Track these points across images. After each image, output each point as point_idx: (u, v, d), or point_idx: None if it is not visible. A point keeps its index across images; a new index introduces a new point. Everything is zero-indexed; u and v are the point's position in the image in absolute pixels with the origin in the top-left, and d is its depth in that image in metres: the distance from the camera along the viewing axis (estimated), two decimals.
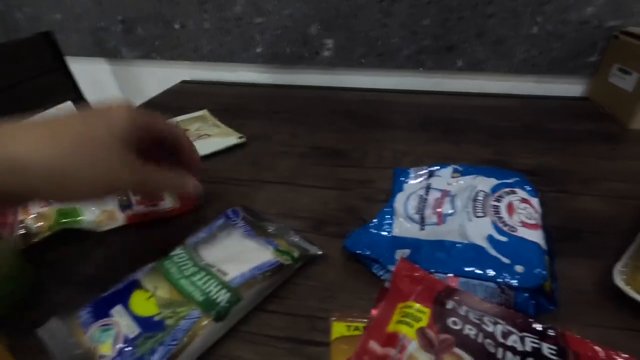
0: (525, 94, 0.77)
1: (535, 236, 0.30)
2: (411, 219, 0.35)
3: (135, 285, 0.28)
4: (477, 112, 0.69)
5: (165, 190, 0.37)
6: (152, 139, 0.29)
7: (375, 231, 0.35)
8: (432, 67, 0.79)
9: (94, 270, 0.35)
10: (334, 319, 0.28)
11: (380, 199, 0.44)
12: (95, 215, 0.40)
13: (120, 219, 0.40)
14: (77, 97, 0.82)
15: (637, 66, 0.61)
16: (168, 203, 0.43)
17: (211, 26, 0.83)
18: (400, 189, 0.39)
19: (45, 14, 0.88)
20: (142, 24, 0.85)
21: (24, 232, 0.38)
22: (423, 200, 0.36)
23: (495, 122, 0.65)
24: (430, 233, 0.33)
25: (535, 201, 0.33)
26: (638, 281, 0.29)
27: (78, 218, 0.39)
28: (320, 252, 0.35)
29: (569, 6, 0.68)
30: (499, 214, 0.32)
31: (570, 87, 0.77)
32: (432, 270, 0.29)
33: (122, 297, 0.27)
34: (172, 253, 0.32)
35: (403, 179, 0.41)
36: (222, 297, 0.27)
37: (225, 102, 0.77)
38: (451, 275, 0.29)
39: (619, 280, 0.30)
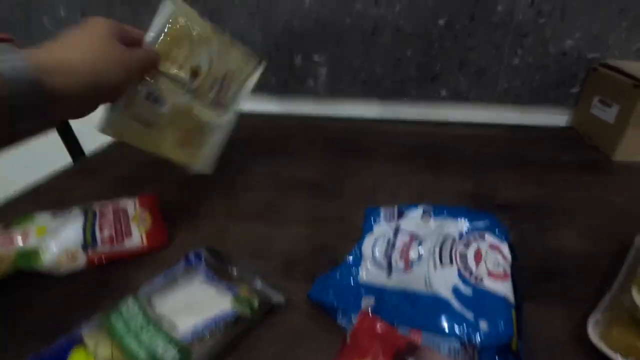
0: (509, 123, 0.77)
1: (503, 288, 0.28)
2: (378, 264, 0.34)
3: (77, 341, 0.27)
4: (461, 142, 0.69)
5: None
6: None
7: (342, 277, 0.34)
8: (416, 96, 0.79)
9: (46, 317, 0.34)
10: None
11: (355, 237, 0.43)
12: (55, 256, 0.38)
13: (82, 259, 0.39)
14: (64, 123, 0.81)
15: (616, 99, 0.61)
16: (134, 241, 0.42)
17: None
18: (370, 230, 0.38)
19: (33, 42, 0.89)
20: None
21: None
22: (391, 245, 0.35)
23: (477, 151, 0.65)
24: (396, 281, 0.32)
25: (504, 247, 0.32)
26: (614, 337, 0.28)
27: (38, 260, 0.38)
28: (282, 302, 0.33)
29: (547, 39, 0.68)
30: (465, 262, 0.30)
31: (554, 117, 0.77)
32: (396, 323, 0.28)
33: (60, 356, 0.25)
34: (121, 304, 0.30)
35: (373, 219, 0.40)
36: (169, 356, 0.26)
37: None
38: (414, 329, 0.27)
39: (593, 335, 0.28)
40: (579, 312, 0.33)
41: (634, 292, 0.27)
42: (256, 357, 0.30)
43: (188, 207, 0.50)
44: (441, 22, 0.71)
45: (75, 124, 0.83)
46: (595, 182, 0.55)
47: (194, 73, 0.44)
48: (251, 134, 0.74)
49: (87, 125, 0.98)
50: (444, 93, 0.78)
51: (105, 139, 0.73)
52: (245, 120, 0.82)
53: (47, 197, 0.54)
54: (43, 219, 0.41)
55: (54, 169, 0.62)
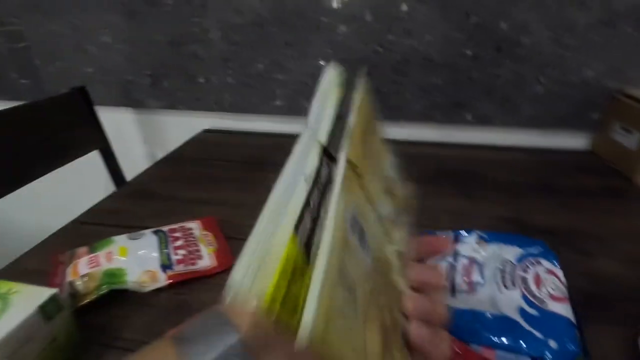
0: (532, 146, 0.81)
1: (564, 310, 0.32)
2: None
3: None
4: (486, 164, 0.73)
5: None
6: None
7: None
8: (443, 120, 0.83)
9: (138, 335, 0.37)
10: None
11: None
12: (138, 275, 0.42)
13: (162, 279, 0.42)
14: (105, 146, 0.86)
15: (638, 126, 0.65)
16: (205, 262, 0.45)
17: (234, 80, 0.89)
18: None
19: (77, 68, 0.94)
20: (169, 77, 0.91)
21: (71, 292, 0.40)
22: (452, 268, 0.38)
23: (504, 175, 0.69)
24: (461, 301, 0.35)
25: (560, 273, 0.35)
26: None
27: (124, 279, 0.41)
28: None
29: (569, 69, 0.73)
30: (527, 285, 0.34)
31: (574, 140, 0.81)
32: (467, 341, 0.31)
33: None
34: None
35: None
36: None
37: (246, 153, 0.80)
38: (486, 347, 0.30)
39: None
40: (629, 333, 0.36)
41: None
42: None
43: (242, 228, 0.53)
44: (469, 52, 0.75)
45: (118, 152, 0.87)
46: (622, 207, 0.59)
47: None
48: (286, 154, 0.78)
49: (123, 149, 1.02)
50: (469, 117, 0.82)
51: (139, 161, 0.77)
52: (282, 140, 0.87)
53: (109, 219, 0.57)
54: (122, 241, 0.45)
55: (94, 191, 0.66)
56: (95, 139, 0.84)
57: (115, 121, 1.00)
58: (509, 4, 0.70)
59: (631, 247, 0.49)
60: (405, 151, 0.87)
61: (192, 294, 0.42)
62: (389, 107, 0.84)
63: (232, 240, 0.50)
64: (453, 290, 0.37)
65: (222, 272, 0.45)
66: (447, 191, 0.63)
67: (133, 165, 0.78)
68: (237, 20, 0.81)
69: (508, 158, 0.77)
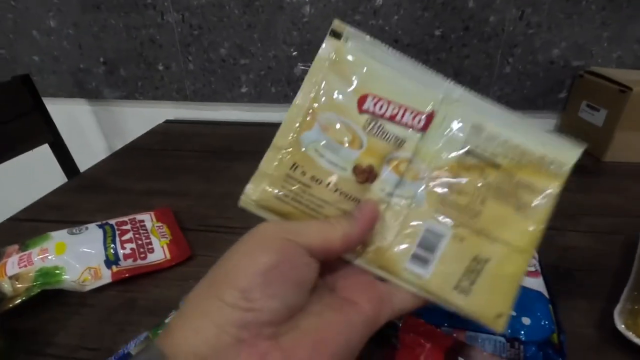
0: None
1: (537, 284, 0.30)
2: None
3: (128, 359, 0.26)
4: None
5: None
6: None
7: None
8: None
9: (76, 339, 0.33)
10: None
11: None
12: (78, 273, 0.37)
13: (106, 276, 0.38)
14: (56, 139, 0.79)
15: (604, 103, 0.65)
16: (157, 255, 0.41)
17: (195, 67, 0.84)
18: None
19: (22, 56, 0.86)
20: (125, 65, 0.85)
21: None
22: None
23: None
24: None
25: None
26: (638, 324, 0.30)
27: (60, 278, 0.37)
28: None
29: (536, 48, 0.73)
30: None
31: (543, 121, 0.81)
32: (437, 324, 0.29)
33: None
34: (167, 319, 0.30)
35: None
36: None
37: (210, 143, 0.76)
38: (457, 329, 0.28)
39: (621, 325, 0.30)
40: (598, 306, 0.35)
41: None
42: None
43: (202, 219, 0.50)
44: (437, 32, 0.74)
45: (69, 142, 0.80)
46: (590, 184, 0.58)
47: None
48: (257, 144, 0.75)
49: (79, 142, 0.95)
50: None
51: (99, 156, 0.72)
52: (249, 130, 0.83)
53: (51, 214, 0.52)
54: (60, 236, 0.40)
55: (45, 186, 0.60)
56: (42, 132, 0.77)
57: (70, 113, 0.94)
58: None
59: (596, 220, 0.49)
60: None
61: (140, 291, 0.38)
62: None
63: (190, 232, 0.46)
64: None
65: (176, 265, 0.41)
66: None
67: (92, 160, 0.72)
68: (195, 2, 0.76)
69: None
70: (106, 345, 0.31)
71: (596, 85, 0.67)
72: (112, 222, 0.44)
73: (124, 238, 0.41)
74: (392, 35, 0.75)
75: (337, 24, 0.24)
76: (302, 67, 0.64)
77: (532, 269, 0.31)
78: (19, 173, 0.94)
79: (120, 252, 0.40)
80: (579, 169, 0.68)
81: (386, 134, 0.23)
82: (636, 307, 0.31)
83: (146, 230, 0.44)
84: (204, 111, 0.90)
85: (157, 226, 0.45)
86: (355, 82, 0.23)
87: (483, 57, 0.75)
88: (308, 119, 0.23)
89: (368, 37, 0.24)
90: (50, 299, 0.36)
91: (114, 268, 0.38)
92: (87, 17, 0.80)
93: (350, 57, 0.23)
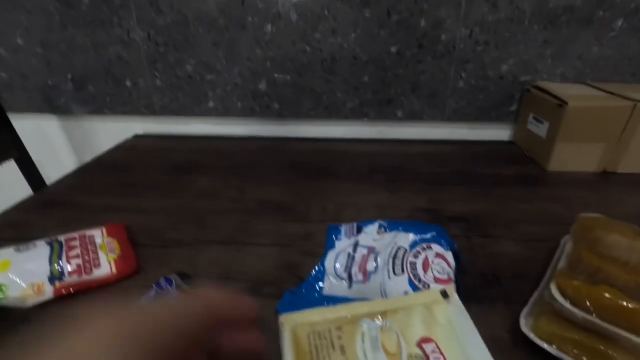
0: (460, 139, 0.85)
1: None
2: (340, 277, 0.37)
3: None
4: (416, 160, 0.74)
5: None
6: None
7: (306, 291, 0.36)
8: (375, 117, 0.85)
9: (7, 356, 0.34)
10: None
11: (318, 253, 0.46)
12: (21, 290, 0.38)
13: (48, 291, 0.39)
14: (22, 155, 0.79)
15: (546, 116, 0.69)
16: (104, 270, 0.43)
17: (162, 83, 0.85)
18: (332, 247, 0.41)
19: None
20: (93, 81, 0.87)
21: None
22: (351, 258, 0.38)
23: (431, 169, 0.71)
24: (356, 291, 0.35)
25: (449, 255, 0.36)
26: (540, 327, 0.32)
27: (3, 295, 0.38)
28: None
29: (486, 64, 0.77)
30: (415, 270, 0.34)
31: (498, 132, 0.85)
32: None
33: None
34: None
35: (334, 237, 0.43)
36: None
37: (177, 158, 0.78)
38: None
39: (525, 327, 0.33)
40: (517, 310, 0.37)
41: (552, 287, 0.31)
42: None
43: (155, 234, 0.51)
44: (393, 49, 0.77)
45: (34, 154, 0.81)
46: (532, 193, 0.62)
47: None
48: (223, 158, 0.77)
49: (49, 157, 0.96)
50: (400, 114, 0.84)
51: (69, 170, 0.73)
52: (216, 144, 0.85)
53: (5, 232, 0.53)
54: (6, 254, 0.41)
55: (10, 201, 0.61)
56: (8, 147, 0.78)
57: (38, 129, 0.94)
58: (423, 1, 0.72)
59: (531, 228, 0.52)
60: (341, 149, 0.87)
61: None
62: (323, 107, 0.85)
63: (141, 247, 0.48)
64: (350, 281, 0.36)
65: (122, 279, 0.42)
66: (376, 187, 0.64)
67: (62, 174, 0.73)
68: (160, 21, 0.79)
69: (437, 150, 0.79)
70: None
71: (539, 99, 0.71)
72: (62, 238, 0.45)
73: (71, 254, 0.43)
74: (351, 52, 0.78)
75: (450, 290, 0.31)
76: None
77: (445, 277, 0.34)
78: None
79: (66, 267, 0.41)
80: (526, 179, 0.72)
81: None
82: (541, 310, 0.34)
83: (94, 245, 0.45)
84: (173, 125, 0.92)
85: (106, 241, 0.46)
86: (431, 328, 0.27)
87: (438, 72, 0.79)
88: (379, 315, 0.28)
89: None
90: None
91: (57, 284, 0.39)
92: (54, 35, 0.82)
93: (441, 316, 0.29)
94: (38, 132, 0.94)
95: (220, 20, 0.78)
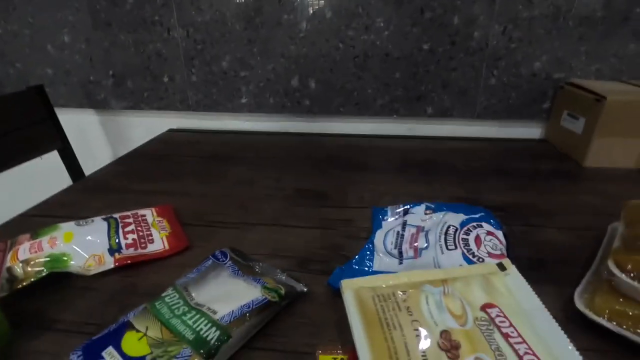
0: (489, 137, 0.85)
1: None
2: (390, 254, 0.38)
3: (127, 326, 0.29)
4: (448, 154, 0.75)
5: None
6: None
7: (357, 267, 0.37)
8: (405, 114, 0.86)
9: (81, 317, 0.36)
10: (320, 352, 0.29)
11: (361, 236, 0.47)
12: (84, 259, 0.40)
13: (109, 262, 0.41)
14: (65, 146, 0.83)
15: (582, 112, 0.69)
16: (157, 245, 0.44)
17: (198, 79, 0.88)
18: (379, 227, 0.42)
19: (36, 69, 0.92)
20: (132, 77, 0.90)
21: (8, 278, 0.38)
22: (400, 236, 0.39)
23: (464, 163, 0.71)
24: (408, 266, 0.35)
25: (499, 234, 0.37)
26: (596, 304, 0.32)
27: (67, 263, 0.40)
28: (305, 289, 0.36)
29: (519, 62, 0.77)
30: (468, 246, 0.35)
31: (529, 130, 0.84)
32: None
33: (114, 339, 0.28)
34: (164, 294, 0.33)
35: (381, 217, 0.44)
36: (213, 335, 0.28)
37: (212, 150, 0.80)
38: None
39: (580, 304, 0.33)
40: (567, 291, 0.37)
41: (610, 263, 0.31)
42: (284, 340, 0.33)
43: (202, 216, 0.53)
44: (425, 47, 0.78)
45: (76, 149, 0.85)
46: (570, 186, 0.61)
47: None
48: (256, 151, 0.79)
49: (86, 150, 1.00)
50: (430, 110, 0.85)
51: (104, 163, 0.76)
52: (249, 138, 0.87)
53: (60, 211, 0.55)
54: (68, 227, 0.43)
55: (52, 190, 0.64)
56: (53, 138, 0.82)
57: (78, 122, 0.98)
58: None
59: (574, 218, 0.51)
60: (373, 144, 0.88)
61: (140, 277, 0.41)
62: (354, 103, 0.86)
63: (189, 226, 0.50)
64: (401, 257, 0.37)
65: (174, 255, 0.44)
66: (410, 178, 0.64)
67: (98, 167, 0.76)
68: (199, 19, 0.82)
69: (467, 147, 0.79)
70: (108, 321, 0.34)
71: (575, 95, 0.70)
72: (116, 215, 0.47)
73: (126, 230, 0.45)
74: (384, 50, 0.80)
75: (507, 262, 0.32)
76: None
77: (498, 252, 0.34)
78: (30, 176, 0.99)
79: (123, 241, 0.43)
80: (562, 174, 0.72)
81: (490, 337, 0.25)
82: (596, 287, 0.34)
83: (147, 223, 0.47)
84: (206, 120, 0.95)
85: (157, 220, 0.48)
86: (492, 295, 0.28)
87: (469, 69, 0.79)
88: (439, 282, 0.29)
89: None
90: (58, 282, 0.39)
91: (117, 255, 0.41)
92: (98, 33, 0.86)
93: (500, 285, 0.29)
94: (77, 126, 0.98)
95: (257, 18, 0.80)
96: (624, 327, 0.30)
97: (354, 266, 0.38)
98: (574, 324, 0.33)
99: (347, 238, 0.47)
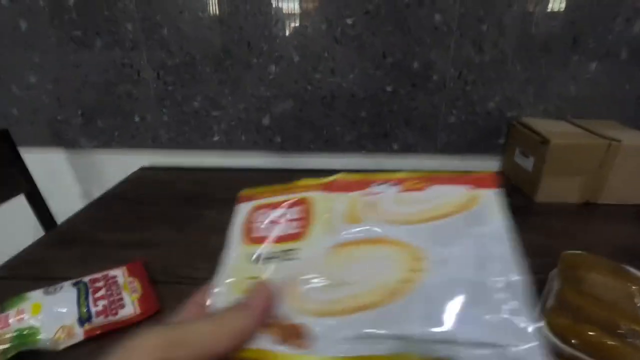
0: (451, 170, 0.90)
1: None
2: None
3: None
4: None
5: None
6: None
7: None
8: (372, 149, 0.90)
9: None
10: None
11: None
12: (53, 332, 0.41)
13: (79, 334, 0.42)
14: (32, 189, 0.82)
15: (531, 151, 0.74)
16: (128, 310, 0.45)
17: (169, 118, 0.90)
18: None
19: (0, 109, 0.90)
20: (102, 116, 0.90)
21: None
22: None
23: None
24: None
25: None
26: None
27: (35, 338, 0.40)
28: None
29: (475, 101, 0.83)
30: None
31: (487, 164, 0.90)
32: None
33: None
34: None
35: None
36: None
37: (184, 190, 0.81)
38: None
39: None
40: None
41: (544, 326, 0.35)
42: None
43: (172, 271, 0.54)
44: (389, 88, 0.83)
45: (46, 189, 0.84)
46: (520, 222, 0.66)
47: None
48: (229, 189, 0.80)
49: (57, 189, 0.98)
50: (395, 146, 0.89)
51: (76, 202, 0.75)
52: (221, 175, 0.89)
53: (28, 270, 0.55)
54: (36, 297, 0.44)
55: (21, 234, 0.64)
56: (19, 182, 0.80)
57: (47, 162, 0.97)
58: (415, 45, 0.78)
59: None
60: None
61: (113, 345, 0.42)
62: (323, 140, 0.89)
63: (160, 284, 0.51)
64: None
65: (145, 319, 0.45)
66: None
67: (70, 207, 0.76)
68: (169, 62, 0.83)
69: None
70: None
71: (524, 135, 0.76)
72: (86, 279, 0.48)
73: (96, 295, 0.45)
74: (349, 91, 0.84)
75: None
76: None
77: None
78: None
79: (93, 309, 0.44)
80: (513, 209, 0.77)
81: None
82: None
83: (118, 286, 0.48)
84: (178, 157, 0.96)
85: (128, 281, 0.49)
86: None
87: (430, 108, 0.84)
88: None
89: None
90: (25, 358, 0.39)
91: (87, 326, 0.42)
92: (67, 73, 0.86)
93: None
94: (45, 165, 0.97)
95: (226, 60, 0.83)
96: None
97: None
98: None
99: None
